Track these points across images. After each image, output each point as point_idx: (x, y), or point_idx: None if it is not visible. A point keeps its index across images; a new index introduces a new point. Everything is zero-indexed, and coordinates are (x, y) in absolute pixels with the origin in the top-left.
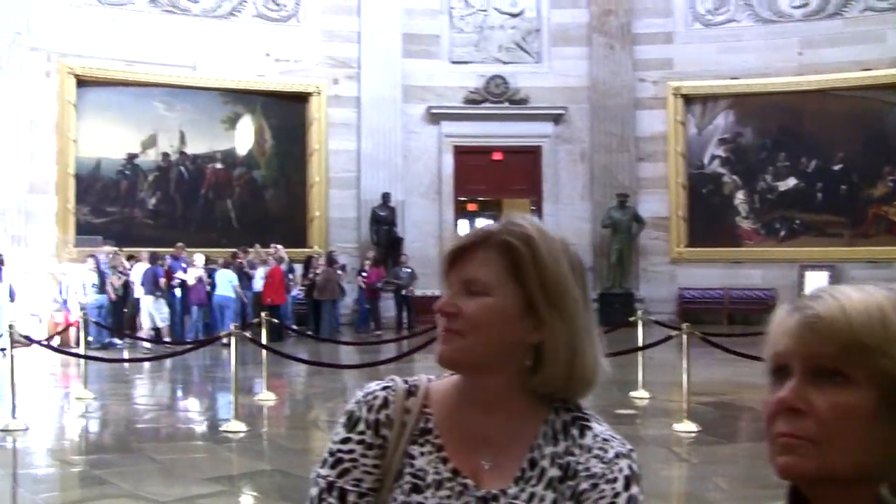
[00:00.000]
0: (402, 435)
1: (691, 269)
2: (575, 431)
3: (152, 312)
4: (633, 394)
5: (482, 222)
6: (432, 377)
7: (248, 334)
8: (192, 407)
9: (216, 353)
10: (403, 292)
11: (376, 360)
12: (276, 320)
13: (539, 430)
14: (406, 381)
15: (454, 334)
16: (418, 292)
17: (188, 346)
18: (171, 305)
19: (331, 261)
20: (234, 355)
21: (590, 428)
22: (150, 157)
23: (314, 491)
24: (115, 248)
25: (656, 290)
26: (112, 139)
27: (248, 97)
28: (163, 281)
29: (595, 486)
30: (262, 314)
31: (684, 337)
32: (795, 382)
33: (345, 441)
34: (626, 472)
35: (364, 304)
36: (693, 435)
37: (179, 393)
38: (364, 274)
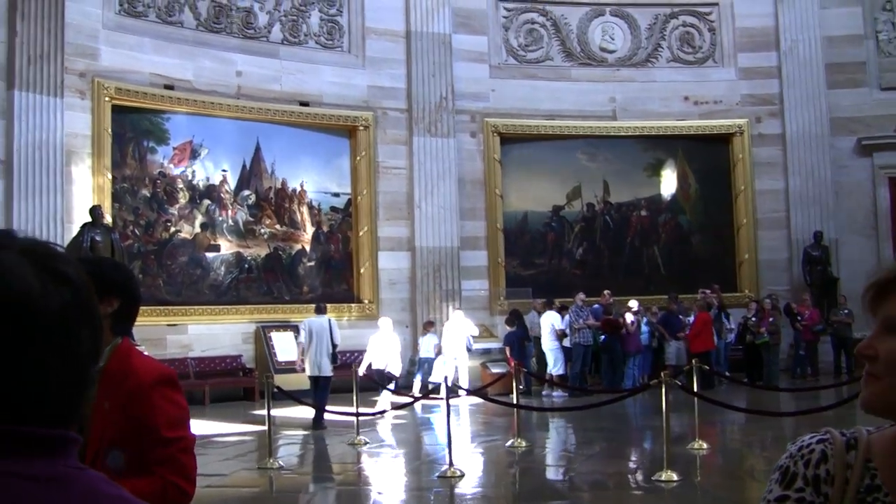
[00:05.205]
0: (846, 493)
1: None
2: None
3: (671, 353)
4: None
5: None
6: (871, 428)
7: (678, 381)
8: (623, 455)
9: (647, 400)
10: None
11: (813, 406)
12: (706, 366)
13: None
14: (843, 433)
15: (872, 377)
16: (858, 334)
17: (618, 394)
18: (610, 351)
19: (774, 305)
20: (665, 403)
21: None
22: (575, 207)
23: None
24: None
25: None
26: (537, 193)
27: (668, 142)
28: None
29: None
30: (692, 361)
31: None
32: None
33: (781, 500)
34: None
35: (800, 349)
36: None
37: (611, 440)
38: (800, 317)
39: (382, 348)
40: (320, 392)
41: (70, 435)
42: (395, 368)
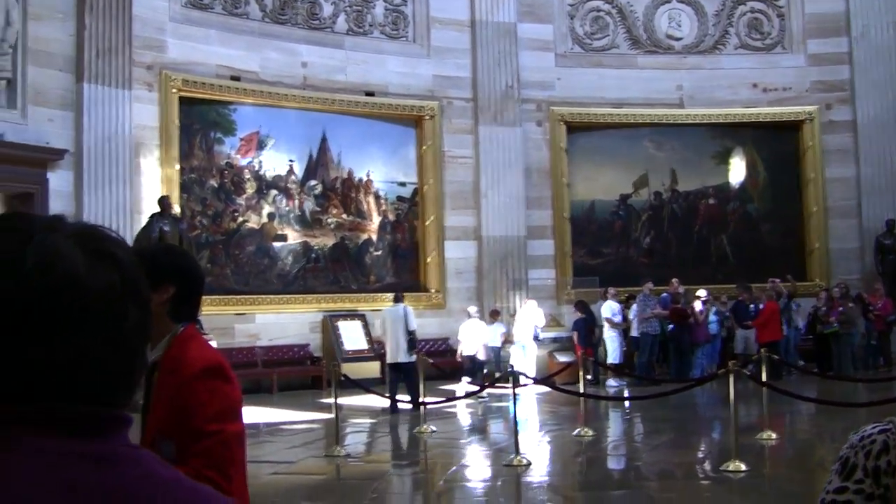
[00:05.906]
0: None
1: None
2: None
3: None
4: None
5: None
6: None
7: (747, 371)
8: (691, 445)
9: (715, 389)
10: None
11: (885, 397)
12: (775, 356)
13: None
14: None
15: None
16: None
17: (686, 384)
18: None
19: (843, 294)
20: (733, 393)
21: None
22: (642, 196)
23: None
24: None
25: None
26: (604, 181)
27: (737, 130)
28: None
29: None
30: (761, 350)
31: None
32: None
33: (840, 490)
34: None
35: (871, 339)
36: None
37: (678, 430)
38: (872, 308)
39: (473, 336)
40: (406, 379)
41: (122, 414)
42: (484, 356)
